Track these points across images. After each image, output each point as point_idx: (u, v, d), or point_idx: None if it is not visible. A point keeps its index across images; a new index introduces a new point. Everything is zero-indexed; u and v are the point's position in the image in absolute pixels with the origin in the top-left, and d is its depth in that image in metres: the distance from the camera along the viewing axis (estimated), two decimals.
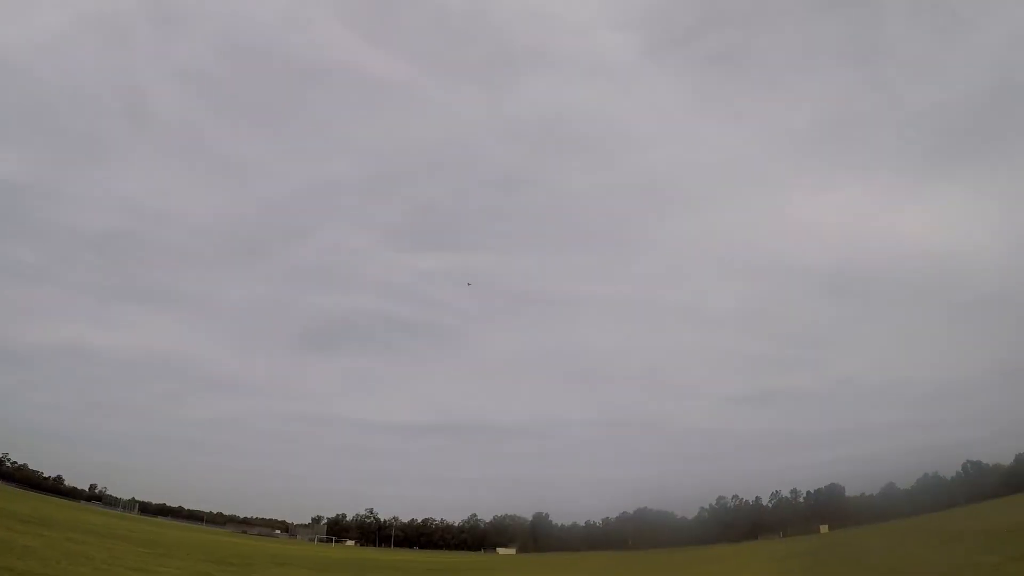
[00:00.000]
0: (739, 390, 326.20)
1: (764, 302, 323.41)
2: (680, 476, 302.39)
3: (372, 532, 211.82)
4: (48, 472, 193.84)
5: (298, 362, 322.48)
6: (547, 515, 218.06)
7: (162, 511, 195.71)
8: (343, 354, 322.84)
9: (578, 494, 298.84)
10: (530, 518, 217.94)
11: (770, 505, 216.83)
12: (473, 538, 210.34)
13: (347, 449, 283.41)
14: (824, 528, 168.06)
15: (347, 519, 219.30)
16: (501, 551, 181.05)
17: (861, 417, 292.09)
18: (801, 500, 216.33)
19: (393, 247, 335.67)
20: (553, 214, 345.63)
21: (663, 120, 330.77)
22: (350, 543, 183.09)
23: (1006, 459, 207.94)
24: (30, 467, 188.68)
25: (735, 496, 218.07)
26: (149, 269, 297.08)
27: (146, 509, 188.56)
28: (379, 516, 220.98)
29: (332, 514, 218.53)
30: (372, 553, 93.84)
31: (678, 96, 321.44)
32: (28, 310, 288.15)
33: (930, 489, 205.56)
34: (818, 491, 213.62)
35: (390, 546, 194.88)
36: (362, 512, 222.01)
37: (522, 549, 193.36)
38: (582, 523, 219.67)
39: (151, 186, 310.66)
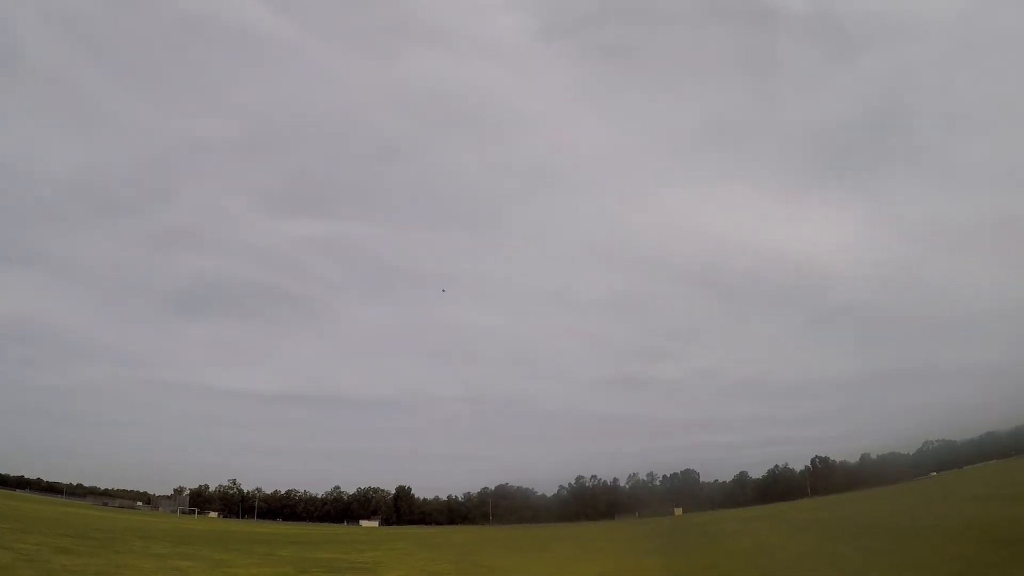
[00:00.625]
0: (604, 375, 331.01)
1: (634, 292, 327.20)
2: (542, 455, 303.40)
3: (235, 504, 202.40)
4: None
5: (162, 328, 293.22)
6: (410, 489, 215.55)
7: (20, 484, 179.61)
8: (209, 320, 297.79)
9: (441, 469, 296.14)
10: (393, 491, 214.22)
11: (627, 487, 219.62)
12: (336, 510, 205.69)
13: (211, 418, 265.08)
14: (679, 511, 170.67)
15: (210, 490, 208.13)
16: (364, 523, 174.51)
17: (719, 409, 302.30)
18: (657, 483, 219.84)
19: (266, 212, 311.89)
20: (432, 189, 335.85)
21: (551, 105, 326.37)
22: (213, 515, 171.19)
23: (852, 457, 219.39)
24: None
25: (594, 476, 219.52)
26: (3, 228, 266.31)
27: (3, 482, 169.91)
28: (242, 487, 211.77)
29: (195, 485, 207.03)
30: (235, 525, 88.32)
31: (568, 83, 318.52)
32: None
33: (780, 480, 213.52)
34: (674, 475, 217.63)
35: (253, 518, 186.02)
36: (225, 483, 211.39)
37: (385, 522, 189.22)
38: (444, 497, 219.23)
39: (9, 138, 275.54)
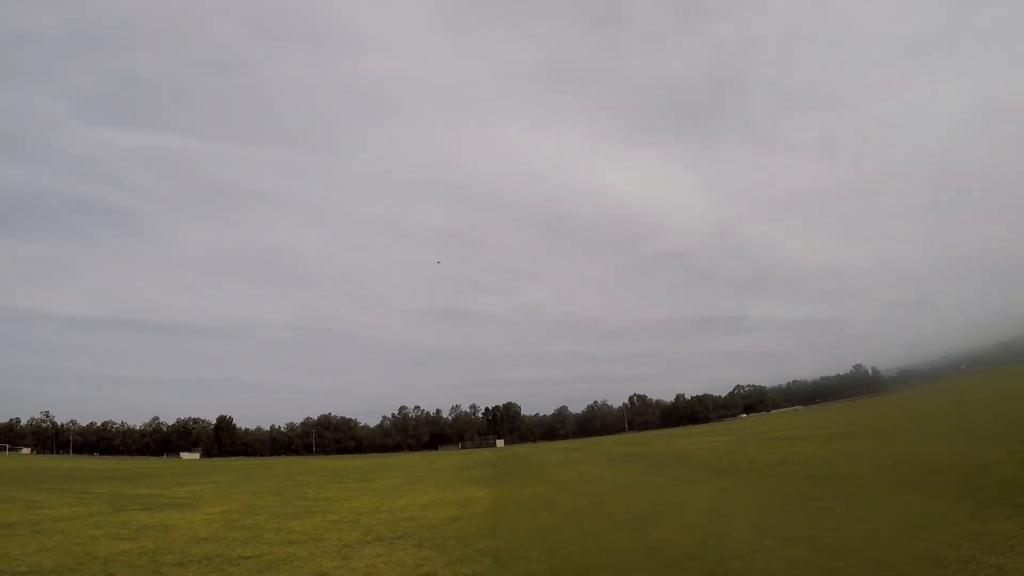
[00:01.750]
0: (430, 305, 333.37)
1: (465, 225, 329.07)
2: (365, 385, 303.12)
3: (49, 439, 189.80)
4: None
5: None
6: (232, 419, 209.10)
7: None
8: (18, 236, 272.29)
9: (264, 398, 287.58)
10: (214, 422, 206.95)
11: (450, 419, 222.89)
12: (155, 443, 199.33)
13: (20, 345, 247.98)
14: (500, 443, 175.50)
15: (21, 424, 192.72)
16: (185, 456, 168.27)
17: (542, 344, 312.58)
18: (480, 416, 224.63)
19: (88, 118, 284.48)
20: (270, 106, 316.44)
21: (402, 32, 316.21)
22: (26, 451, 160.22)
23: (668, 396, 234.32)
24: None
25: (417, 407, 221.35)
26: None
27: None
28: (56, 420, 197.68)
29: (5, 419, 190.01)
30: (48, 461, 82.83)
31: (420, 12, 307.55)
32: None
33: (599, 415, 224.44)
34: (496, 408, 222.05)
35: (68, 452, 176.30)
36: (38, 416, 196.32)
37: (206, 454, 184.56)
38: (267, 428, 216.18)
39: None
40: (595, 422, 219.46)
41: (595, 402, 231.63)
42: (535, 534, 13.95)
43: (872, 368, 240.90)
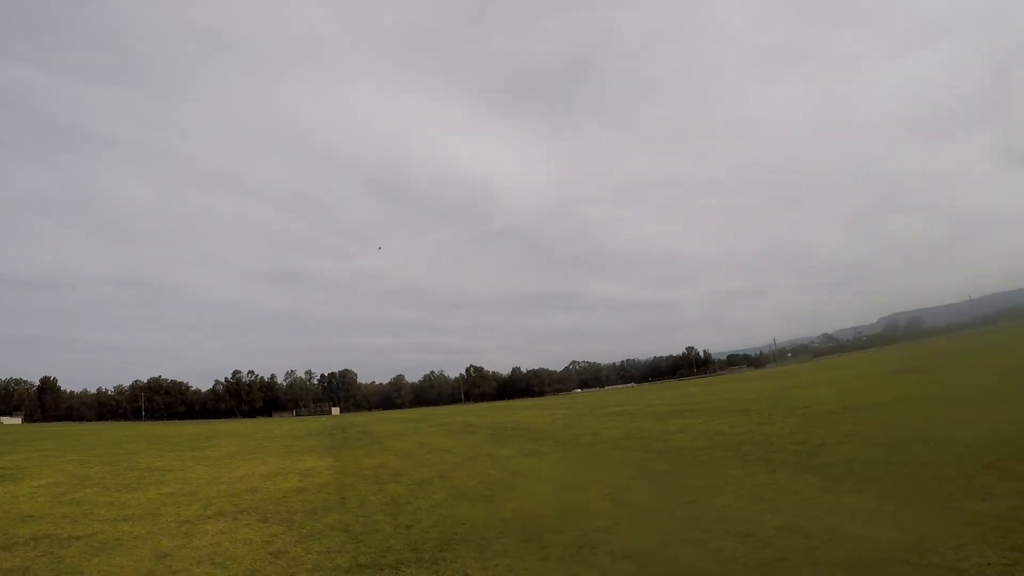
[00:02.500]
0: (270, 267, 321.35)
1: (311, 185, 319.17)
2: (197, 347, 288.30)
3: None
4: None
5: None
6: (56, 381, 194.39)
7: None
8: None
9: (91, 359, 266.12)
10: (37, 384, 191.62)
11: (285, 384, 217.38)
12: None
13: None
14: (336, 410, 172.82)
15: None
16: (6, 420, 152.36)
17: (380, 312, 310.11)
18: (315, 382, 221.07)
19: None
20: (114, 42, 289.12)
21: None
22: None
23: (504, 369, 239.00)
24: None
25: (251, 372, 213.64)
26: None
27: None
28: None
29: None
30: None
31: None
32: None
33: (436, 385, 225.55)
34: (332, 375, 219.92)
35: None
36: None
37: (29, 418, 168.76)
38: (94, 390, 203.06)
39: None
40: (431, 392, 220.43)
41: (432, 372, 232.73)
42: (386, 507, 13.26)
43: (703, 351, 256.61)
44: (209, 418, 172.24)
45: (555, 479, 15.20)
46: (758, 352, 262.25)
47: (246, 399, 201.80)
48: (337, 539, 10.46)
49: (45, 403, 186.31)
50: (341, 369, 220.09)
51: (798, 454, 14.42)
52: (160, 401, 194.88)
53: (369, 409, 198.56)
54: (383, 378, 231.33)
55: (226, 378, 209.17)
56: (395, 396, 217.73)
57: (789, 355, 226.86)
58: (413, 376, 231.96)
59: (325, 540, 10.40)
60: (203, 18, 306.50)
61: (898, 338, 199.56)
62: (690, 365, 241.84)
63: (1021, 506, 8.21)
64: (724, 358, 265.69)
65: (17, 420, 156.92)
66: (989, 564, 6.54)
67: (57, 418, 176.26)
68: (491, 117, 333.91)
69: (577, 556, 8.37)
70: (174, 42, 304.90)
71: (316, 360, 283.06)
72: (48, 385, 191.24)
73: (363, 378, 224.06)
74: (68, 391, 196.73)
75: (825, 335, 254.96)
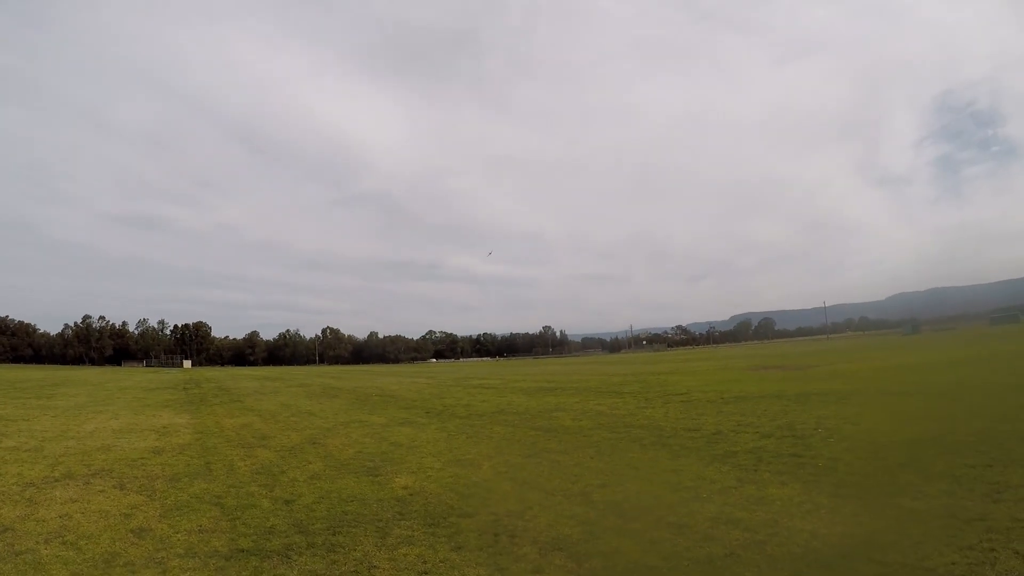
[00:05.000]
0: (124, 210, 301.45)
1: (168, 129, 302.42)
2: (45, 288, 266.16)
3: None
4: None
5: None
6: None
7: None
8: None
9: None
10: None
11: (136, 333, 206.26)
12: None
13: None
14: (187, 363, 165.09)
15: None
16: None
17: (236, 266, 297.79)
18: (168, 332, 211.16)
19: None
20: None
21: None
22: None
23: (361, 333, 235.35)
24: None
25: (102, 318, 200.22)
26: None
27: None
28: None
29: None
30: None
31: None
32: None
33: (291, 344, 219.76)
34: (186, 326, 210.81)
35: None
36: None
37: None
38: None
39: None
40: (286, 351, 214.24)
41: (288, 330, 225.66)
42: (258, 476, 11.90)
43: (560, 331, 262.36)
44: (56, 364, 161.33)
45: (441, 453, 14.17)
46: (614, 337, 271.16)
47: (96, 346, 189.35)
48: (209, 514, 9.10)
49: None
50: (195, 321, 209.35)
51: (696, 440, 14.08)
52: (5, 343, 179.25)
53: (222, 364, 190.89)
54: (237, 333, 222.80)
55: (76, 323, 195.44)
56: (249, 353, 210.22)
57: (644, 343, 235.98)
58: (268, 333, 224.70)
59: (195, 515, 9.03)
60: None
61: (749, 336, 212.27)
62: (546, 344, 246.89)
63: (955, 506, 7.97)
64: (579, 340, 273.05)
65: None
66: (954, 564, 6.17)
67: None
68: (366, 77, 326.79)
69: (496, 546, 7.38)
70: None
71: (170, 311, 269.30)
72: None
73: (217, 332, 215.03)
74: None
75: (679, 327, 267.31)
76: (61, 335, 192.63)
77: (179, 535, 8.11)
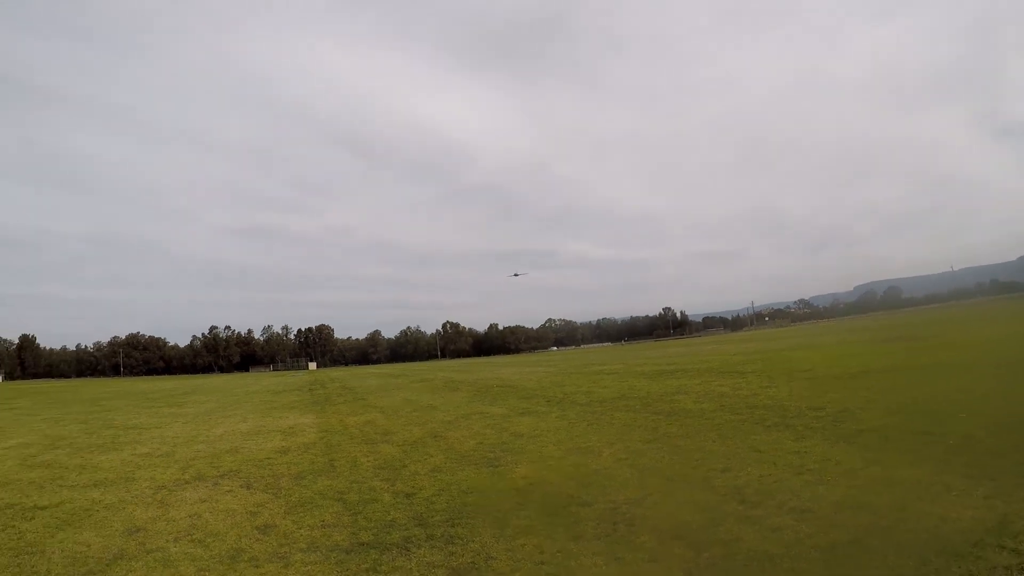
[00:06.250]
0: (238, 223, 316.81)
1: (274, 141, 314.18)
2: (173, 303, 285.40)
3: None
4: None
5: None
6: (35, 338, 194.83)
7: None
8: None
9: (69, 316, 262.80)
10: (16, 341, 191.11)
11: (262, 339, 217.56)
12: None
13: None
14: (313, 365, 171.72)
15: None
16: None
17: (353, 267, 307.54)
18: (292, 337, 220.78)
19: None
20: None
21: None
22: None
23: (480, 326, 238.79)
24: None
25: (228, 327, 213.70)
26: None
27: None
28: None
29: None
30: None
31: None
32: None
33: (412, 341, 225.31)
34: (309, 330, 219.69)
35: None
36: None
37: (8, 376, 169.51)
38: (73, 347, 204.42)
39: None
40: (408, 348, 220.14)
41: (408, 328, 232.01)
42: (381, 471, 12.24)
43: (680, 312, 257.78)
44: (187, 373, 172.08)
45: (561, 442, 14.25)
46: (735, 315, 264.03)
47: (223, 354, 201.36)
48: (331, 510, 9.42)
49: (25, 361, 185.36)
50: (317, 324, 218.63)
51: (820, 420, 13.59)
52: (138, 357, 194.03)
53: (346, 364, 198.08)
54: (359, 333, 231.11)
55: (203, 333, 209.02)
56: (371, 351, 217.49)
57: (767, 319, 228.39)
58: (389, 332, 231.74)
59: (318, 511, 9.37)
60: None
61: (875, 307, 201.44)
62: (667, 326, 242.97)
63: None
64: (700, 320, 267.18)
65: None
66: None
67: (37, 375, 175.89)
68: (461, 73, 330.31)
69: (614, 535, 7.43)
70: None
71: (292, 315, 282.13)
72: (27, 343, 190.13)
73: (340, 333, 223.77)
74: (48, 348, 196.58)
75: (802, 301, 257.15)
76: (190, 346, 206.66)
77: (302, 530, 8.42)
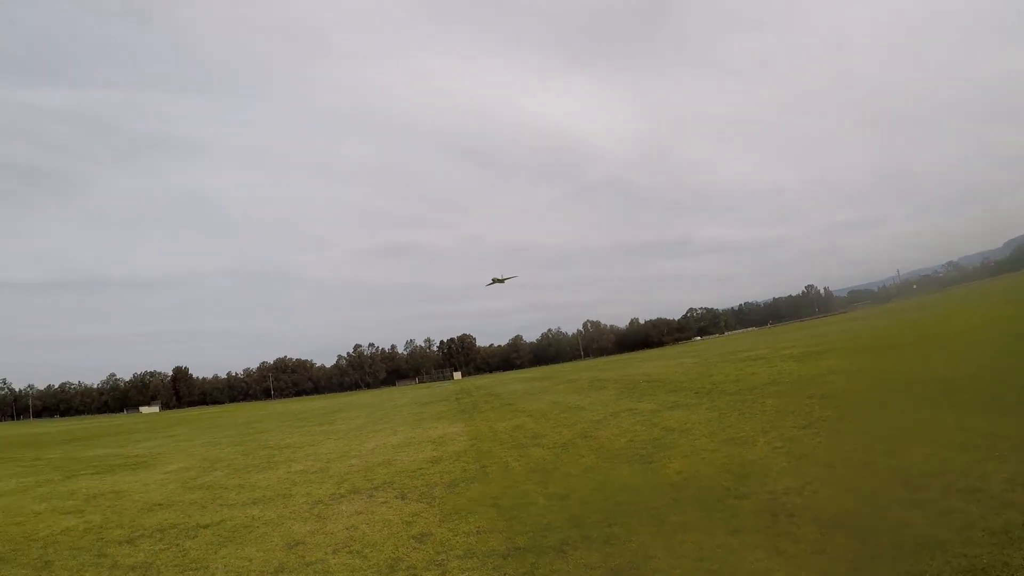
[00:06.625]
0: (370, 243, 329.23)
1: (397, 160, 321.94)
2: (316, 326, 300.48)
3: (7, 405, 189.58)
4: None
5: None
6: (188, 369, 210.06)
7: None
8: None
9: (217, 346, 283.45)
10: (171, 373, 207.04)
11: (405, 353, 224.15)
12: (114, 400, 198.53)
13: None
14: (457, 375, 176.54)
15: None
16: (144, 410, 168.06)
17: (489, 275, 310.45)
18: (435, 349, 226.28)
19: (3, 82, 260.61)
20: (185, 52, 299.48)
21: None
22: None
23: (621, 322, 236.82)
24: None
25: (371, 344, 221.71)
26: None
27: None
28: (13, 386, 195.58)
29: None
30: (6, 429, 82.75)
31: None
32: None
33: (554, 343, 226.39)
34: (451, 340, 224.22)
35: (29, 417, 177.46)
36: None
37: (165, 406, 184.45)
38: (224, 375, 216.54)
39: None
40: (550, 350, 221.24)
41: (549, 330, 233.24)
42: (533, 475, 12.42)
43: (824, 288, 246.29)
44: (335, 392, 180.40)
45: (713, 433, 14.12)
46: (880, 286, 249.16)
47: (369, 371, 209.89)
48: (486, 516, 9.59)
49: (180, 391, 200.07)
50: (459, 334, 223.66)
51: (983, 391, 12.83)
52: (287, 379, 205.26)
53: (490, 371, 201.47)
54: (501, 340, 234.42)
55: (348, 352, 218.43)
56: (515, 357, 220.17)
57: (914, 287, 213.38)
58: (531, 335, 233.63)
59: (473, 518, 9.54)
60: (270, 14, 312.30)
61: None
62: (811, 305, 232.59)
63: None
64: (845, 294, 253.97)
65: (155, 409, 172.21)
66: None
67: (191, 404, 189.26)
68: (572, 70, 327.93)
69: (774, 527, 7.42)
70: (248, 41, 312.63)
71: (434, 328, 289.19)
72: (180, 374, 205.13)
73: (481, 342, 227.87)
74: (200, 378, 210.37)
75: (950, 263, 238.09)
76: (336, 365, 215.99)
77: (458, 537, 8.58)
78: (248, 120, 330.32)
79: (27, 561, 9.34)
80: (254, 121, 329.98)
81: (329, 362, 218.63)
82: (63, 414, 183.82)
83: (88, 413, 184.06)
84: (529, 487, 11.28)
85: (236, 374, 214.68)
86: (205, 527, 10.78)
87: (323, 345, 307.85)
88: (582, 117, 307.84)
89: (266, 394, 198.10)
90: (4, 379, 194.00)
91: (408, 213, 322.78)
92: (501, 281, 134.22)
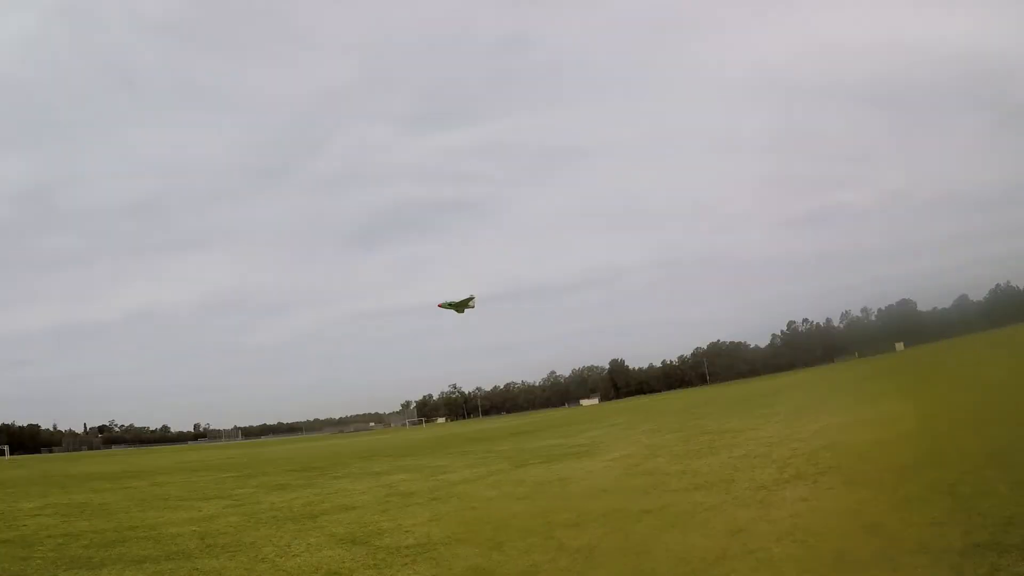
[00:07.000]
0: (787, 213, 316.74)
1: (796, 121, 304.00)
2: (746, 306, 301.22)
3: (459, 407, 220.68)
4: (153, 425, 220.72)
5: (347, 264, 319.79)
6: (623, 361, 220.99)
7: (263, 431, 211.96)
8: (388, 246, 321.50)
9: (650, 336, 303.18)
10: (607, 366, 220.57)
11: (841, 326, 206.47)
12: (555, 395, 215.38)
13: (415, 334, 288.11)
14: (900, 346, 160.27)
15: (434, 399, 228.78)
16: (584, 403, 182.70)
17: (920, 231, 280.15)
18: (873, 318, 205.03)
19: (411, 133, 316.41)
20: (557, 69, 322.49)
21: None
22: (441, 420, 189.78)
23: None
24: (136, 426, 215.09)
25: (805, 320, 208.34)
26: (184, 218, 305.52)
27: (248, 434, 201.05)
28: (463, 390, 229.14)
29: (419, 396, 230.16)
30: (458, 427, 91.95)
31: None
32: (87, 289, 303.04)
33: (1002, 300, 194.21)
34: (889, 308, 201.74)
35: (478, 416, 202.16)
36: (446, 389, 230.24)
37: (604, 398, 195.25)
38: (659, 364, 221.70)
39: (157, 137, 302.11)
40: (1000, 308, 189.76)
41: (997, 285, 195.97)
42: (994, 459, 11.09)
43: None
44: (770, 373, 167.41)
45: None
46: None
47: (804, 348, 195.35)
48: (940, 505, 8.62)
49: (617, 382, 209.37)
50: (899, 300, 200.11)
51: None
52: (721, 363, 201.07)
53: (935, 339, 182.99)
54: (944, 302, 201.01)
55: (782, 330, 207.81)
56: (960, 320, 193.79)
57: None
58: (976, 294, 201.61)
59: (926, 507, 8.62)
60: (625, 14, 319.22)
61: None
62: None
63: None
64: None
65: (594, 401, 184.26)
66: None
67: (629, 394, 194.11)
68: None
69: None
70: (617, 43, 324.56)
71: (869, 295, 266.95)
72: (617, 366, 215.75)
73: (923, 305, 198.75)
74: (636, 368, 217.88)
75: None
76: (771, 345, 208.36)
77: (910, 529, 7.82)
78: (629, 117, 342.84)
79: (480, 541, 10.20)
80: (634, 115, 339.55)
81: (763, 342, 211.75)
82: (508, 411, 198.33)
83: (531, 409, 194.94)
84: (990, 473, 10.05)
85: (671, 361, 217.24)
86: (648, 512, 10.87)
87: (755, 325, 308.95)
88: (984, 31, 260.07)
89: (702, 379, 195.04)
90: (455, 385, 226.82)
91: (815, 175, 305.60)
92: (458, 308, 58.27)
